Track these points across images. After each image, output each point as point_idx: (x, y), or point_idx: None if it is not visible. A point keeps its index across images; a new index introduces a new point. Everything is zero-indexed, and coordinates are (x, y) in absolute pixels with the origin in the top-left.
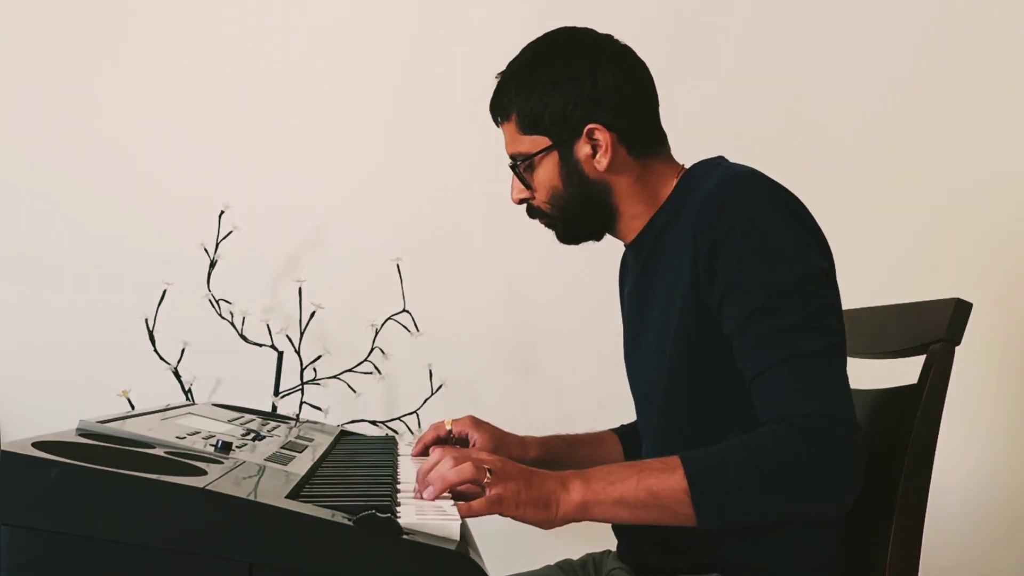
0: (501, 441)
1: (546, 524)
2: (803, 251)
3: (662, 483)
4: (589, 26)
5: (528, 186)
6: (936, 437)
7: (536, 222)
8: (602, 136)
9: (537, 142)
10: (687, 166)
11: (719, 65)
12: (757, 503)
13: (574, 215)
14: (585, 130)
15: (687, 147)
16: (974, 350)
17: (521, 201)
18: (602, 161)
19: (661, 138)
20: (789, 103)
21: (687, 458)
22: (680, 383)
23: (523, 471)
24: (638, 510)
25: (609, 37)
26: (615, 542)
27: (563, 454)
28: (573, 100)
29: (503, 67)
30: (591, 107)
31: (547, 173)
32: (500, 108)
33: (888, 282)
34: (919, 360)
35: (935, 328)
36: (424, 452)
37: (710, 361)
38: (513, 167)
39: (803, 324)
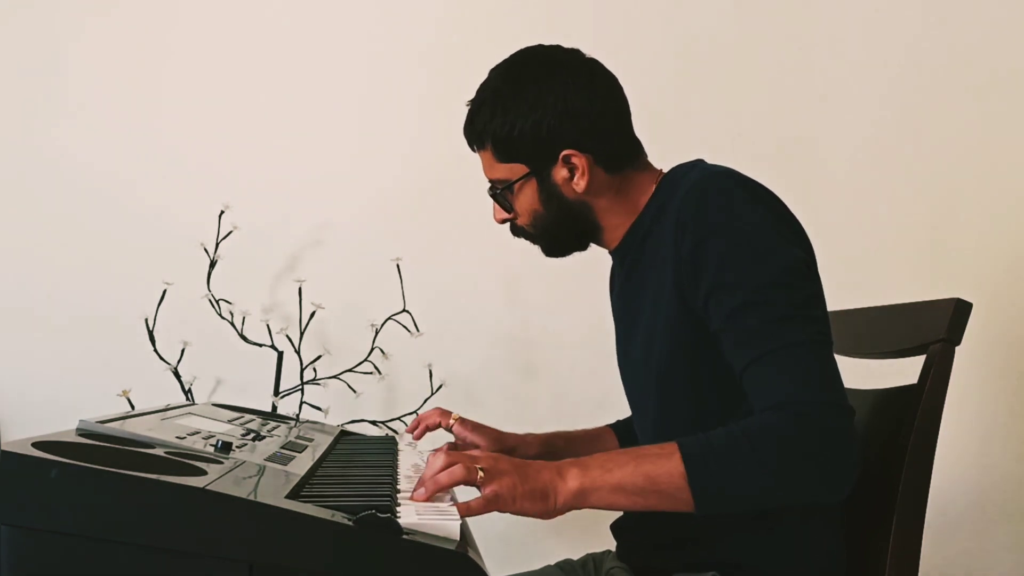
0: (500, 442)
1: (546, 515)
2: (783, 244)
3: (659, 468)
4: (582, 27)
5: (509, 209)
6: (936, 437)
7: None
8: (578, 160)
9: (514, 170)
10: (665, 170)
11: (718, 65)
12: (753, 487)
13: (556, 235)
14: (560, 156)
15: (689, 147)
16: (974, 350)
17: (504, 221)
18: (580, 183)
19: (636, 149)
20: (789, 104)
21: (684, 443)
22: (670, 384)
23: (516, 465)
24: (636, 496)
25: (576, 52)
26: (615, 542)
27: (562, 451)
28: (546, 126)
29: (496, 68)
30: (565, 132)
31: (527, 198)
32: (475, 137)
33: (888, 282)
34: (919, 360)
35: (935, 328)
36: (424, 433)
37: (699, 360)
38: (492, 192)
39: (789, 315)
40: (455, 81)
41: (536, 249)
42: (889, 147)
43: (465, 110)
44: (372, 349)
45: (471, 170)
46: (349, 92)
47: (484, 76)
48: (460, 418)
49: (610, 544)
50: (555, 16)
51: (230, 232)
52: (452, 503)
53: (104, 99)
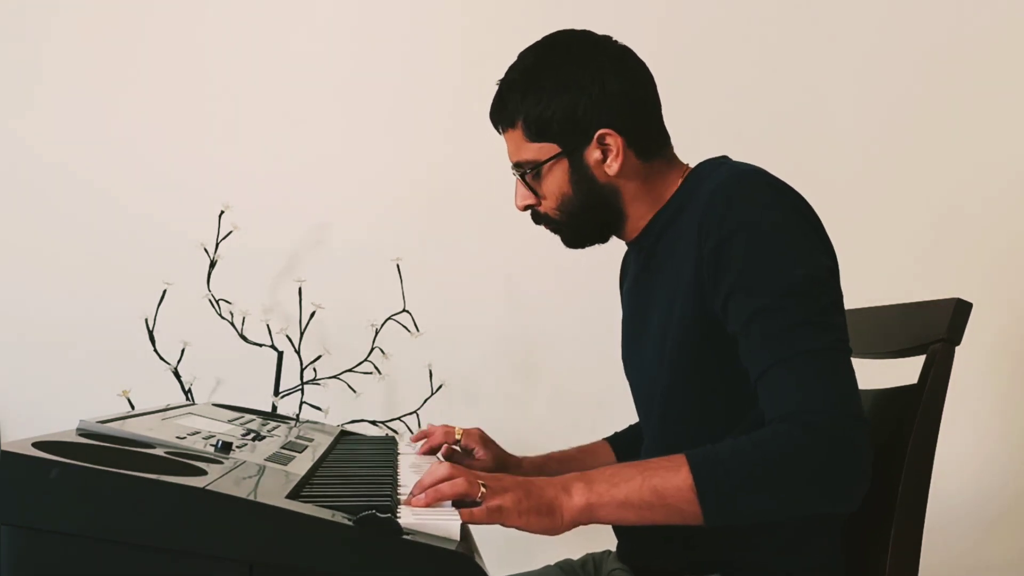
0: (503, 462)
1: (553, 531)
2: (809, 250)
3: (667, 482)
4: (592, 26)
5: (535, 193)
6: (936, 437)
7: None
8: (613, 140)
9: (545, 149)
10: (691, 165)
11: (726, 66)
12: (763, 501)
13: (582, 220)
14: (596, 135)
15: (691, 147)
16: (974, 350)
17: (526, 208)
18: (612, 166)
19: (665, 139)
20: (794, 104)
21: (692, 456)
22: (680, 382)
23: (519, 482)
24: (643, 510)
25: (608, 39)
26: (615, 542)
27: (556, 474)
28: (582, 106)
29: (503, 69)
30: (600, 111)
31: (556, 180)
32: (504, 116)
33: (888, 282)
34: (919, 360)
35: (935, 328)
36: (429, 452)
37: (711, 361)
38: (518, 175)
39: (809, 321)
40: (456, 81)
41: (536, 249)
42: (889, 147)
43: (473, 100)
44: (372, 349)
45: (471, 170)
46: (350, 93)
47: (484, 75)
48: (465, 430)
49: (610, 544)
50: (556, 16)
51: (230, 232)
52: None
53: (105, 99)
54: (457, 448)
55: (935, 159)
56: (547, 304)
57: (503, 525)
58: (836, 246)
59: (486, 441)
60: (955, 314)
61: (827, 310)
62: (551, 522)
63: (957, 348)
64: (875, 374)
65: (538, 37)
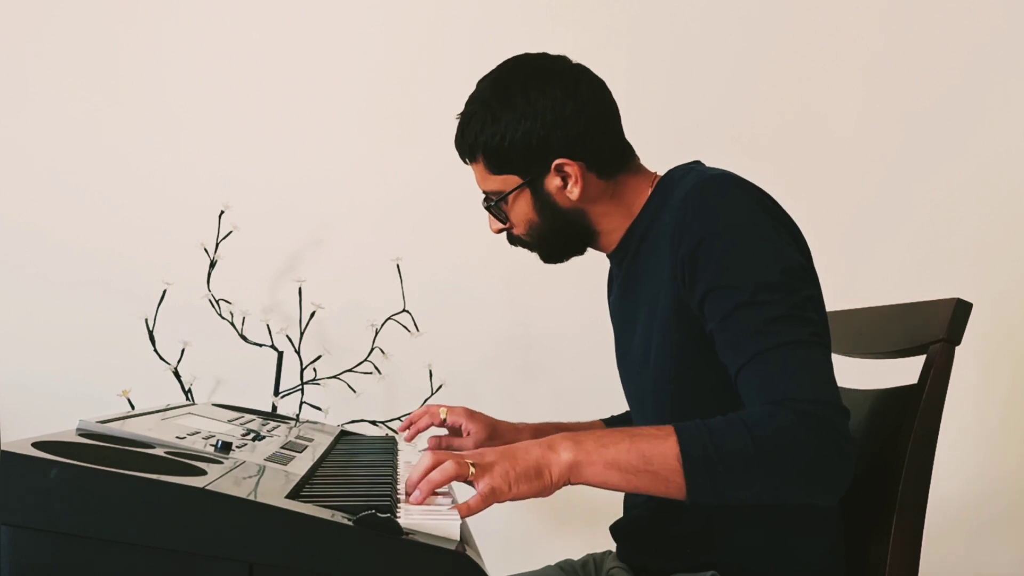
0: (494, 430)
1: (543, 492)
2: (782, 247)
3: (654, 448)
4: (595, 30)
5: (504, 220)
6: (936, 437)
7: None
8: (570, 168)
9: (507, 181)
10: (661, 172)
11: (719, 66)
12: (748, 478)
13: (553, 242)
14: (553, 165)
15: (686, 149)
16: (974, 350)
17: (500, 231)
18: (574, 191)
19: (629, 153)
20: (790, 103)
21: (681, 427)
22: (666, 385)
23: (503, 452)
24: (629, 474)
25: (563, 59)
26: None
27: None
28: (536, 136)
29: (483, 80)
30: (555, 140)
31: (521, 209)
32: (466, 150)
33: (888, 282)
34: (919, 360)
35: (935, 328)
36: (417, 437)
37: (697, 362)
38: (487, 204)
39: (786, 315)
40: (456, 81)
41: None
42: (888, 147)
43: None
44: (372, 349)
45: (471, 170)
46: (349, 92)
47: (482, 76)
48: (449, 408)
49: (610, 544)
50: (556, 16)
51: (230, 232)
52: (453, 505)
53: (104, 99)
54: (444, 428)
55: (935, 159)
56: (547, 304)
57: (499, 503)
58: (837, 246)
59: (472, 415)
60: (955, 314)
61: (803, 304)
62: (540, 484)
63: (957, 348)
64: (875, 374)
65: (542, 40)
